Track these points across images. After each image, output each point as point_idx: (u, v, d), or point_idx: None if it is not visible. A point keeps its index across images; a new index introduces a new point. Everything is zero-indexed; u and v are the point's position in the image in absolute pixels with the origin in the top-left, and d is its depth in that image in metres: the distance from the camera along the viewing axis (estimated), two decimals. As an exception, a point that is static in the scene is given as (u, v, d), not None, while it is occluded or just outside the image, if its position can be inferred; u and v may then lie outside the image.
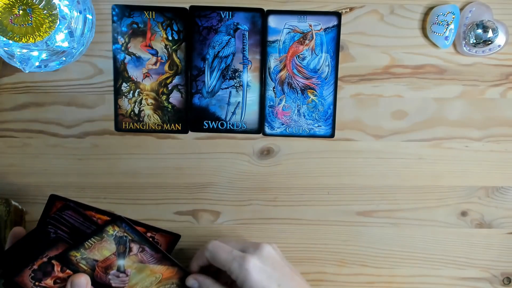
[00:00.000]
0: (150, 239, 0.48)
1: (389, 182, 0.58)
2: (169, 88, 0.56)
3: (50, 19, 0.47)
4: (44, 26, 0.47)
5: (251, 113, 0.56)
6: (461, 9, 0.55)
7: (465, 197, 0.58)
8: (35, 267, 0.45)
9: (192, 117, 0.56)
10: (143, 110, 0.56)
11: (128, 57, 0.55)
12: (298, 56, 0.55)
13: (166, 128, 0.57)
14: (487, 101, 0.57)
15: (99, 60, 0.55)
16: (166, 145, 0.57)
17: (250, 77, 0.56)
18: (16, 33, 0.47)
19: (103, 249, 0.45)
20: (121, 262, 0.47)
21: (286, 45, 0.55)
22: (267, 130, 0.57)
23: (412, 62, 0.56)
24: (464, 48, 0.55)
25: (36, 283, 0.45)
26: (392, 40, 0.56)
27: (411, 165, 0.58)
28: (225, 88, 0.56)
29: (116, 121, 0.56)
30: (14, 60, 0.49)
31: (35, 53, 0.49)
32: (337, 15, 0.55)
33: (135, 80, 0.56)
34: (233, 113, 0.56)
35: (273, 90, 0.56)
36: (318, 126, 0.57)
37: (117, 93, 0.56)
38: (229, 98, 0.56)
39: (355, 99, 0.57)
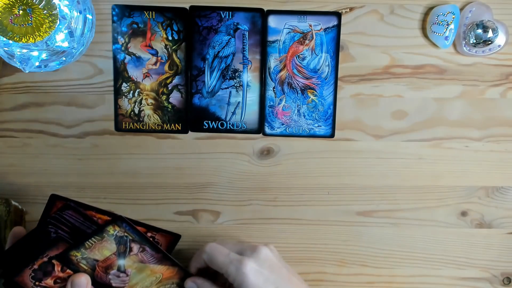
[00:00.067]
0: (151, 239, 0.48)
1: (389, 182, 0.58)
2: (169, 88, 0.56)
3: (50, 19, 0.47)
4: (44, 26, 0.47)
5: (251, 113, 0.56)
6: (461, 9, 0.55)
7: (465, 197, 0.58)
8: (36, 267, 0.45)
9: (192, 117, 0.56)
10: (143, 110, 0.56)
11: (128, 57, 0.55)
12: (298, 56, 0.55)
13: (166, 128, 0.57)
14: (487, 101, 0.57)
15: (99, 60, 0.55)
16: (166, 145, 0.57)
17: (250, 77, 0.56)
18: (16, 33, 0.47)
19: (103, 249, 0.45)
20: (122, 262, 0.47)
21: (286, 45, 0.55)
22: (267, 130, 0.57)
23: (412, 62, 0.56)
24: (464, 48, 0.55)
25: (37, 283, 0.45)
26: (392, 40, 0.56)
27: (411, 165, 0.58)
28: (225, 88, 0.56)
29: (116, 121, 0.56)
30: (14, 60, 0.49)
31: (35, 53, 0.49)
32: (337, 15, 0.55)
33: (135, 80, 0.56)
34: (233, 113, 0.56)
35: (273, 90, 0.56)
36: (318, 126, 0.57)
37: (117, 93, 0.56)
38: (229, 98, 0.56)
39: (355, 99, 0.57)
